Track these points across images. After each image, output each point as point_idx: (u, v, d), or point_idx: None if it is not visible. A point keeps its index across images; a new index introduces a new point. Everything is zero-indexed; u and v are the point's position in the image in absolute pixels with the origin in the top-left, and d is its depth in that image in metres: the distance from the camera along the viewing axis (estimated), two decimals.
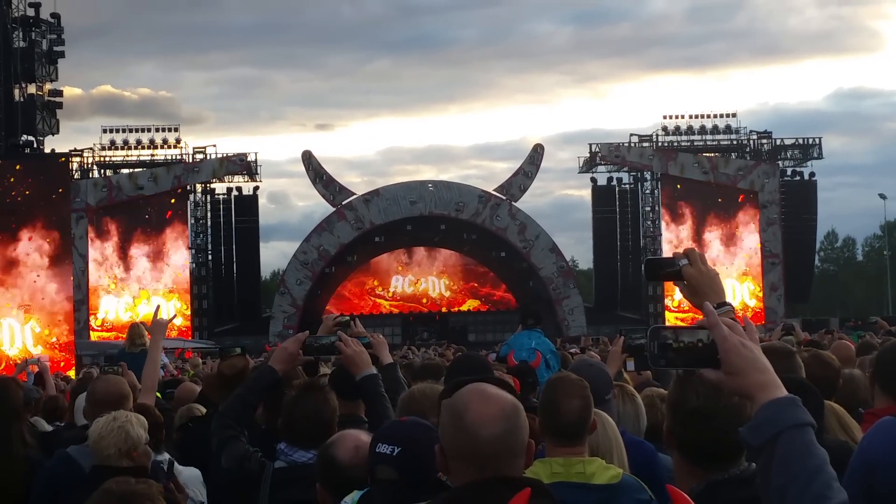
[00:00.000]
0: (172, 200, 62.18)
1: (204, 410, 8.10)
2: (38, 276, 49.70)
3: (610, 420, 5.64)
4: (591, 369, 6.39)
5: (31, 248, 50.81)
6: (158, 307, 10.17)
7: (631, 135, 65.55)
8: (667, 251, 62.39)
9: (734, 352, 2.90)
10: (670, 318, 58.53)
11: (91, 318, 58.48)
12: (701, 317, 3.03)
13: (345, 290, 65.40)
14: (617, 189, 66.78)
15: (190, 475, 6.90)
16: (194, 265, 64.02)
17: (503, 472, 3.16)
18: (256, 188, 65.48)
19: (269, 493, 5.28)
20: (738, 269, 61.60)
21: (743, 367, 2.90)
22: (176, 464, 6.95)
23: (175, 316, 54.21)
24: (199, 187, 64.45)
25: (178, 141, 64.16)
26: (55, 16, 57.39)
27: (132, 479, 4.38)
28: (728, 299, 4.00)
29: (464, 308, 66.43)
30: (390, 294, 66.34)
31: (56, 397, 10.85)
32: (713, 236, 61.99)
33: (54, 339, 43.69)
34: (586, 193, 69.70)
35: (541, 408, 5.10)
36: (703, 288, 3.94)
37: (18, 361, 15.80)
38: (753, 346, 2.94)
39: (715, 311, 2.98)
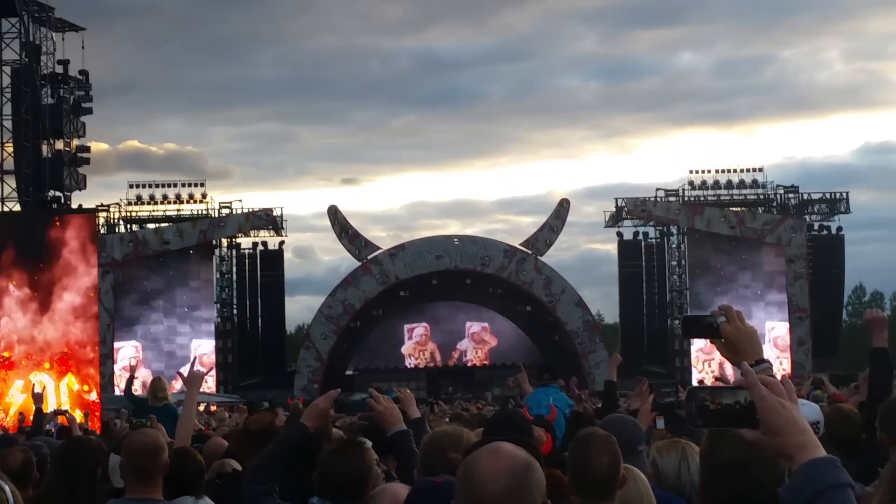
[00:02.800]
0: (198, 255, 62.44)
1: (236, 466, 8.07)
2: (66, 331, 49.82)
3: (640, 474, 5.62)
4: (621, 421, 6.39)
5: (59, 303, 50.93)
6: (194, 359, 10.20)
7: (657, 189, 65.62)
8: (693, 306, 62.32)
9: (773, 412, 2.88)
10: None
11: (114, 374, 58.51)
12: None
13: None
14: (643, 243, 66.70)
15: None
16: (219, 319, 64.19)
17: None
18: (282, 243, 65.71)
19: None
20: (767, 324, 61.40)
21: (782, 427, 2.88)
22: None
23: (211, 370, 54.37)
24: (224, 242, 64.70)
25: (203, 196, 64.46)
26: (83, 72, 58.06)
27: None
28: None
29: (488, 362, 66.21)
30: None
31: None
32: (740, 291, 61.77)
33: (94, 397, 43.66)
34: (612, 248, 69.68)
35: (570, 464, 5.10)
36: (741, 345, 3.93)
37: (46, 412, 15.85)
38: (792, 405, 2.93)
39: (753, 371, 2.97)
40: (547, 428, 8.89)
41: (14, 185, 54.24)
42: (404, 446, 5.95)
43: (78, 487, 6.99)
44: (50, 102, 55.89)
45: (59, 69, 56.97)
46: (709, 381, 48.63)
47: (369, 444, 5.67)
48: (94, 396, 44.23)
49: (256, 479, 5.72)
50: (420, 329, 66.93)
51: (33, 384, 35.51)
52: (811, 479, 2.84)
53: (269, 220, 63.61)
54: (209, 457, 9.22)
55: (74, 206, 56.60)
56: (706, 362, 60.35)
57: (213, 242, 63.59)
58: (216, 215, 63.65)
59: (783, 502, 2.92)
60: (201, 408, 35.51)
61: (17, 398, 37.35)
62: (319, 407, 5.97)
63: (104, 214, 62.19)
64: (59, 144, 56.19)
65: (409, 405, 7.00)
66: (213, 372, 60.07)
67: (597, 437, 5.21)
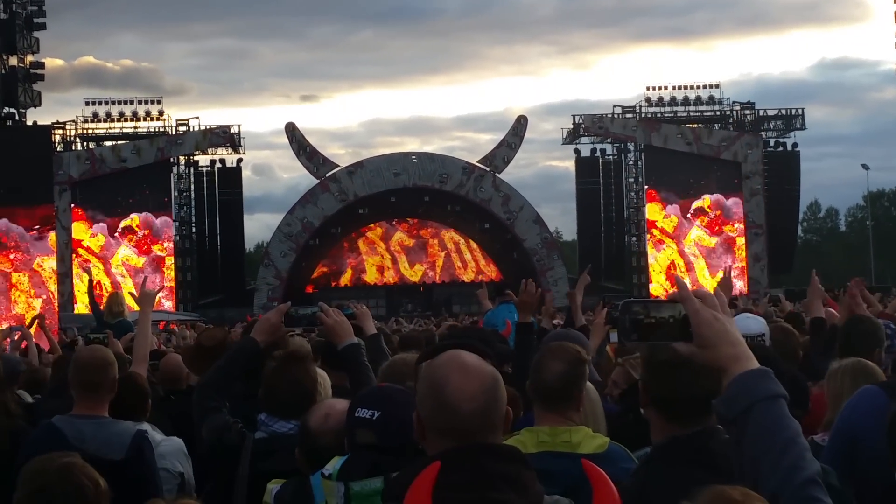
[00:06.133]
0: (156, 173, 61.97)
1: None
2: (22, 249, 49.62)
3: (591, 390, 5.63)
4: (566, 335, 6.39)
5: (14, 221, 50.64)
6: (146, 278, 10.20)
7: (614, 106, 65.69)
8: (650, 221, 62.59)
9: (706, 325, 2.90)
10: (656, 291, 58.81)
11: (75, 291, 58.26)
12: None
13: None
14: (601, 160, 66.76)
15: (169, 446, 6.89)
16: (178, 237, 63.89)
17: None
18: (240, 160, 65.38)
19: (250, 464, 5.29)
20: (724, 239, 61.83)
21: (715, 340, 2.90)
22: (157, 435, 6.94)
23: (162, 288, 54.20)
24: (182, 159, 64.26)
25: (160, 113, 63.93)
26: None
27: (55, 453, 4.34)
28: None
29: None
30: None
31: (37, 369, 10.82)
32: (695, 207, 62.11)
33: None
34: (570, 164, 69.80)
35: (530, 371, 5.10)
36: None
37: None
38: (725, 318, 2.95)
39: (687, 284, 2.99)
40: (502, 343, 8.96)
41: None
42: (355, 359, 5.92)
43: None
44: (2, 17, 55.02)
45: None
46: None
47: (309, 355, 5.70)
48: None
49: (206, 395, 5.69)
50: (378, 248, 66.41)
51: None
52: (744, 391, 2.87)
53: (226, 137, 63.19)
54: (166, 373, 9.26)
55: (29, 123, 56.05)
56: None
57: (171, 160, 63.14)
58: (173, 132, 63.14)
59: (718, 415, 2.96)
60: (160, 327, 35.42)
61: None
62: (269, 321, 5.92)
63: (60, 132, 61.59)
64: (13, 60, 55.39)
65: (365, 321, 7.00)
66: (173, 290, 59.98)
67: (558, 347, 5.19)
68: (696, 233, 62.07)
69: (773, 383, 2.90)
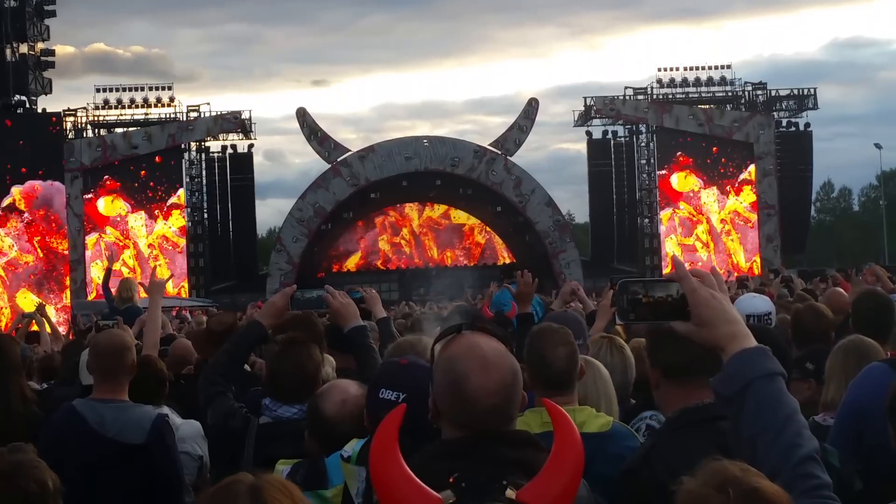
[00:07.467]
0: (167, 159, 61.89)
1: None
2: (35, 237, 49.75)
3: (602, 370, 5.63)
4: (563, 316, 6.39)
5: (26, 208, 50.76)
6: (156, 267, 10.26)
7: (626, 87, 65.40)
8: (662, 205, 62.46)
9: (704, 304, 2.90)
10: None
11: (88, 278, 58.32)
12: None
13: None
14: (612, 142, 66.63)
15: (189, 430, 6.93)
16: (190, 224, 63.84)
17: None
18: (251, 146, 65.31)
19: (254, 449, 5.30)
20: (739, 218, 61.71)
21: (712, 319, 2.91)
22: (176, 419, 6.97)
23: (171, 277, 54.32)
24: (193, 146, 64.16)
25: (171, 99, 63.83)
26: None
27: (2, 450, 4.22)
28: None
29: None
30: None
31: (51, 356, 10.86)
32: (708, 188, 61.96)
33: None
34: (582, 147, 69.62)
35: (528, 359, 5.10)
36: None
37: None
38: (723, 297, 2.95)
39: (684, 264, 2.99)
40: (507, 323, 8.97)
41: None
42: (361, 342, 5.92)
43: None
44: (12, 6, 55.06)
45: None
46: None
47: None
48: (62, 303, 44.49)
49: (211, 380, 5.70)
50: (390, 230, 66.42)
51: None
52: (741, 369, 2.87)
53: (237, 123, 63.15)
54: (177, 358, 9.30)
55: (40, 110, 56.13)
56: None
57: (182, 146, 62.98)
58: (184, 119, 63.10)
59: (715, 392, 2.96)
60: (173, 313, 35.49)
61: None
62: (276, 305, 5.94)
63: (71, 119, 61.57)
64: (24, 48, 55.46)
65: (375, 305, 7.02)
66: (185, 276, 60.05)
67: (551, 331, 5.21)
68: (733, 205, 61.78)
69: (771, 361, 2.89)
